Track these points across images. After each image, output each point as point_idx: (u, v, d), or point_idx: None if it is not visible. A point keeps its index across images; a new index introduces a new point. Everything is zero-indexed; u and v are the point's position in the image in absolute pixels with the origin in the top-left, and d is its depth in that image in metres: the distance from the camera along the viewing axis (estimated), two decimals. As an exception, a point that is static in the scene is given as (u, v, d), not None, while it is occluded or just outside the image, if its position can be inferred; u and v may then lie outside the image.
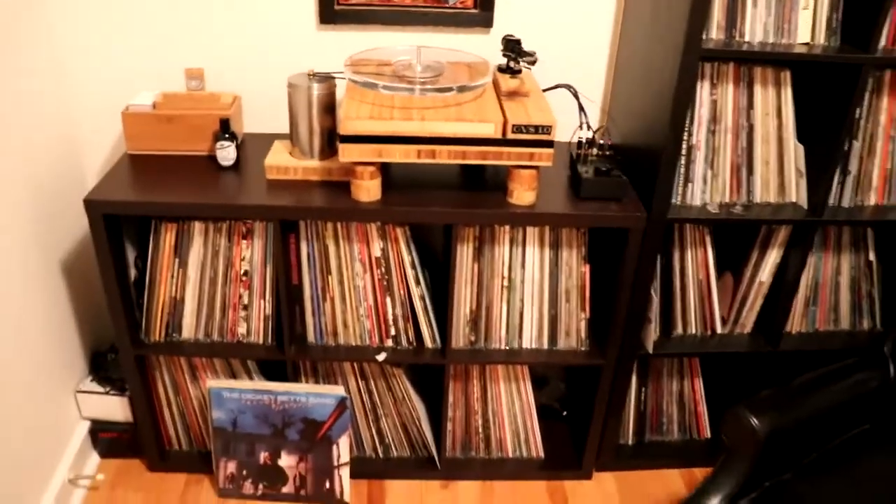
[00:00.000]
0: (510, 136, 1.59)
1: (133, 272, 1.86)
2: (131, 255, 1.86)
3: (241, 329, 1.88)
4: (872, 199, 1.88)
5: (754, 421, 1.55)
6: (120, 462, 2.12)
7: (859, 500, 1.56)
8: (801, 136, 1.79)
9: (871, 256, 2.01)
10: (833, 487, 1.58)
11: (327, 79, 1.72)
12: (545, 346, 1.93)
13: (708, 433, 2.22)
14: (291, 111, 1.73)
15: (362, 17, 1.88)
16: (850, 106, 1.67)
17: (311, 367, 1.96)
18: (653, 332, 1.92)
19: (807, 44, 1.68)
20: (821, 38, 1.69)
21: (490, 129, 1.59)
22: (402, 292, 1.84)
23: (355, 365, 1.96)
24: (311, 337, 1.90)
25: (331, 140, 1.76)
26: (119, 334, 1.83)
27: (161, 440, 2.08)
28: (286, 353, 1.87)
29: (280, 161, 1.75)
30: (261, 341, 1.89)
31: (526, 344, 1.92)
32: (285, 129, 1.94)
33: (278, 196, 1.68)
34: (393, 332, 1.89)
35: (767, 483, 1.59)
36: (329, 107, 1.73)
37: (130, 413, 2.06)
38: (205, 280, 1.82)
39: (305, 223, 1.75)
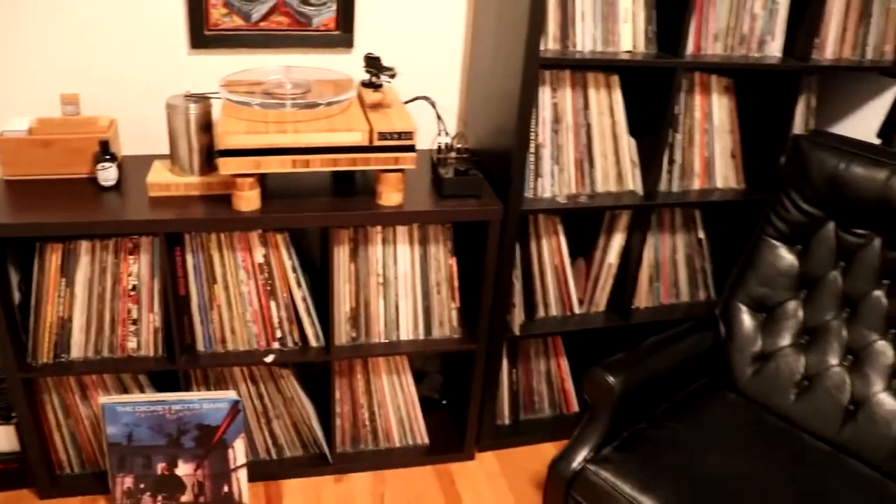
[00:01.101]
0: (376, 142, 1.76)
1: (17, 296, 1.90)
2: (14, 279, 1.90)
3: (132, 343, 1.95)
4: (696, 184, 2.16)
5: (610, 378, 1.76)
6: (7, 494, 2.11)
7: (701, 439, 1.80)
8: (633, 131, 2.05)
9: (701, 235, 2.29)
10: (680, 431, 1.81)
11: (203, 99, 1.84)
12: (421, 336, 2.09)
13: (576, 407, 2.43)
14: (171, 131, 1.84)
15: (231, 41, 2.01)
16: (668, 104, 1.93)
17: (202, 375, 2.05)
18: (518, 316, 2.12)
19: (629, 51, 1.93)
20: (641, 47, 1.94)
21: (358, 137, 1.75)
22: (285, 296, 1.96)
23: (245, 369, 2.06)
24: (200, 346, 1.99)
25: (209, 156, 1.87)
26: (5, 359, 1.86)
27: (51, 465, 2.10)
28: (177, 363, 1.95)
29: (161, 178, 1.85)
30: (151, 354, 1.97)
31: (404, 336, 2.08)
32: (162, 151, 2.03)
33: (162, 212, 1.78)
34: (279, 334, 2.00)
35: (626, 433, 1.81)
36: (206, 125, 1.85)
37: (17, 441, 2.07)
38: (93, 298, 1.89)
39: (190, 235, 1.86)
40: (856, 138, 2.00)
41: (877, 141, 2.24)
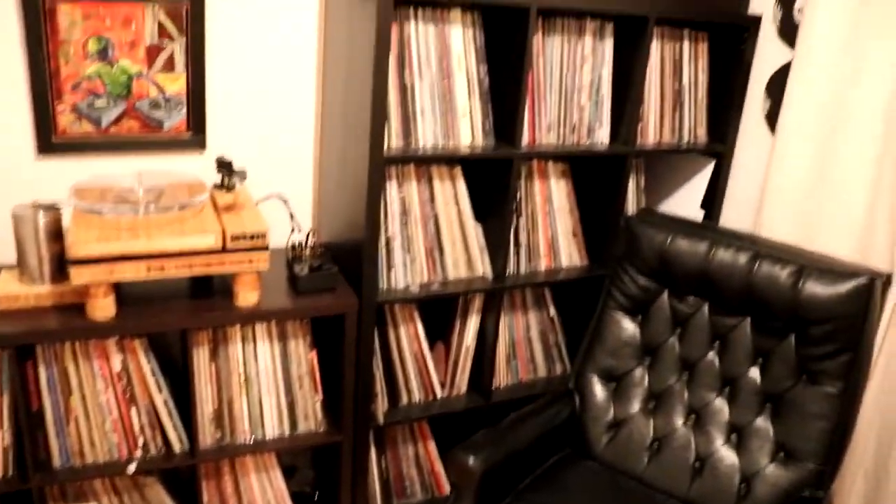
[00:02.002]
0: (230, 245, 1.80)
1: None
2: None
3: (-20, 464, 1.87)
4: (543, 264, 2.29)
5: (470, 459, 1.82)
6: None
7: (561, 510, 1.89)
8: (479, 216, 2.17)
9: (552, 311, 2.42)
10: (544, 501, 1.89)
11: (52, 207, 1.83)
12: (287, 431, 2.10)
13: (448, 489, 2.48)
14: (18, 241, 1.81)
15: (81, 147, 2.01)
16: (509, 191, 2.07)
17: (60, 491, 1.98)
18: (381, 404, 2.17)
19: (469, 144, 2.06)
20: (480, 139, 2.08)
21: (211, 241, 1.78)
22: (146, 401, 1.94)
23: (107, 481, 2.01)
24: (56, 461, 1.92)
25: (61, 265, 1.86)
26: None
27: None
28: (30, 481, 1.88)
29: (9, 290, 1.81)
30: (0, 474, 1.89)
31: (269, 432, 2.08)
32: (8, 261, 1.99)
33: (11, 324, 1.74)
34: (141, 441, 1.97)
35: (490, 510, 1.88)
36: (56, 234, 1.84)
37: None
38: (-64, 419, 1.81)
39: (42, 347, 1.82)
40: (679, 215, 2.20)
41: (701, 212, 2.45)
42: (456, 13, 1.99)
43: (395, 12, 1.91)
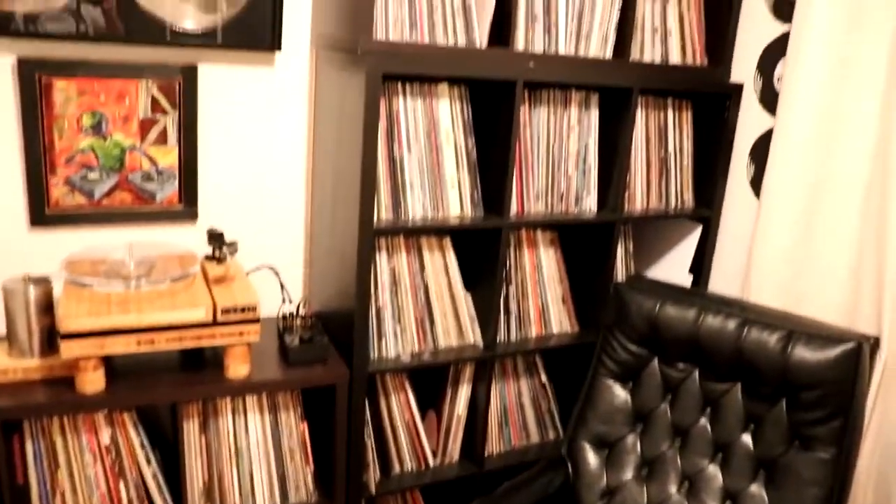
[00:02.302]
0: (220, 318, 1.80)
1: None
2: None
3: (-35, 542, 1.85)
4: (534, 332, 2.30)
5: (462, 532, 1.81)
6: None
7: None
8: (469, 286, 2.18)
9: (544, 378, 2.42)
10: (533, 577, 1.87)
11: (42, 280, 1.84)
12: (278, 503, 2.08)
13: (440, 560, 2.45)
14: (8, 314, 1.82)
15: (74, 219, 2.02)
16: (498, 260, 2.09)
17: (46, 568, 1.95)
18: (373, 474, 2.15)
19: (458, 216, 2.09)
20: (468, 210, 2.10)
21: (202, 314, 1.79)
22: (134, 475, 1.92)
23: (92, 557, 1.98)
24: (42, 537, 1.90)
25: (51, 338, 1.86)
26: None
27: None
28: (16, 558, 1.86)
29: (-2, 365, 1.82)
30: (-13, 551, 1.87)
31: (260, 505, 2.07)
32: (-1, 334, 2.00)
33: (-1, 399, 1.74)
34: (129, 516, 1.95)
35: (482, 585, 1.85)
36: (47, 307, 1.84)
37: None
38: (-78, 497, 1.79)
39: (30, 421, 1.81)
40: (667, 281, 2.22)
41: (689, 276, 2.47)
42: (443, 87, 2.03)
43: (383, 87, 1.95)
